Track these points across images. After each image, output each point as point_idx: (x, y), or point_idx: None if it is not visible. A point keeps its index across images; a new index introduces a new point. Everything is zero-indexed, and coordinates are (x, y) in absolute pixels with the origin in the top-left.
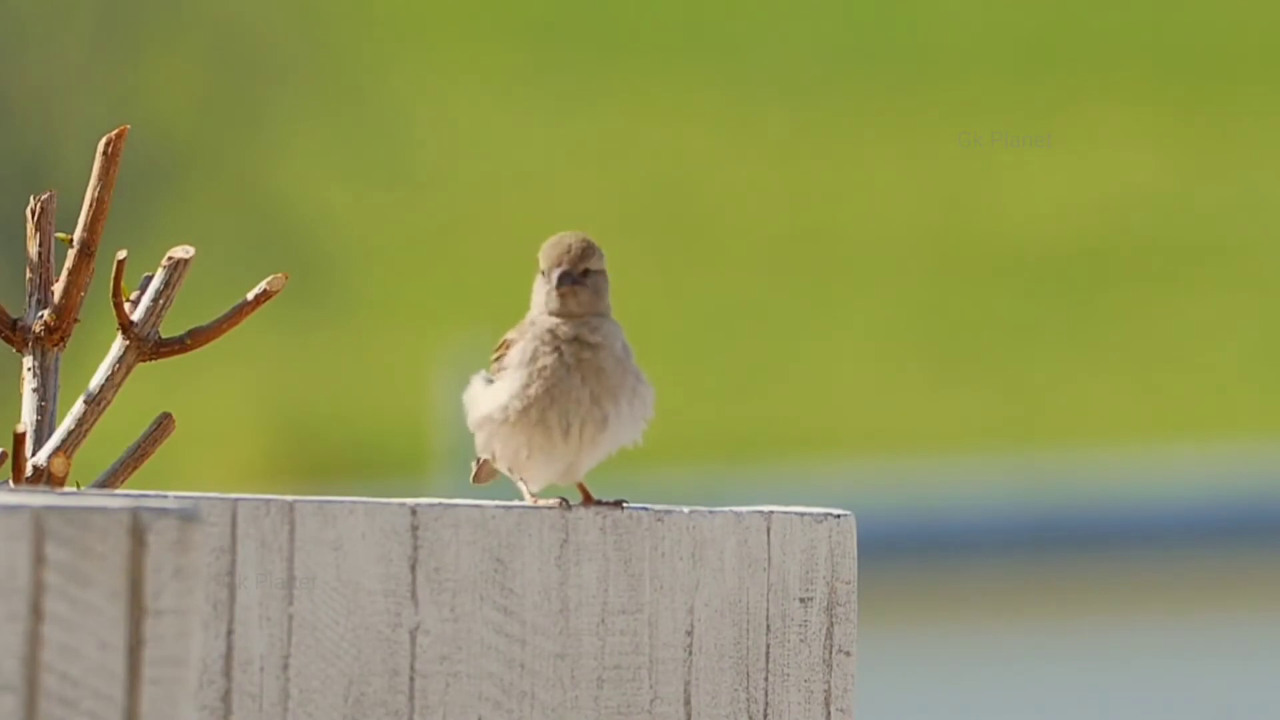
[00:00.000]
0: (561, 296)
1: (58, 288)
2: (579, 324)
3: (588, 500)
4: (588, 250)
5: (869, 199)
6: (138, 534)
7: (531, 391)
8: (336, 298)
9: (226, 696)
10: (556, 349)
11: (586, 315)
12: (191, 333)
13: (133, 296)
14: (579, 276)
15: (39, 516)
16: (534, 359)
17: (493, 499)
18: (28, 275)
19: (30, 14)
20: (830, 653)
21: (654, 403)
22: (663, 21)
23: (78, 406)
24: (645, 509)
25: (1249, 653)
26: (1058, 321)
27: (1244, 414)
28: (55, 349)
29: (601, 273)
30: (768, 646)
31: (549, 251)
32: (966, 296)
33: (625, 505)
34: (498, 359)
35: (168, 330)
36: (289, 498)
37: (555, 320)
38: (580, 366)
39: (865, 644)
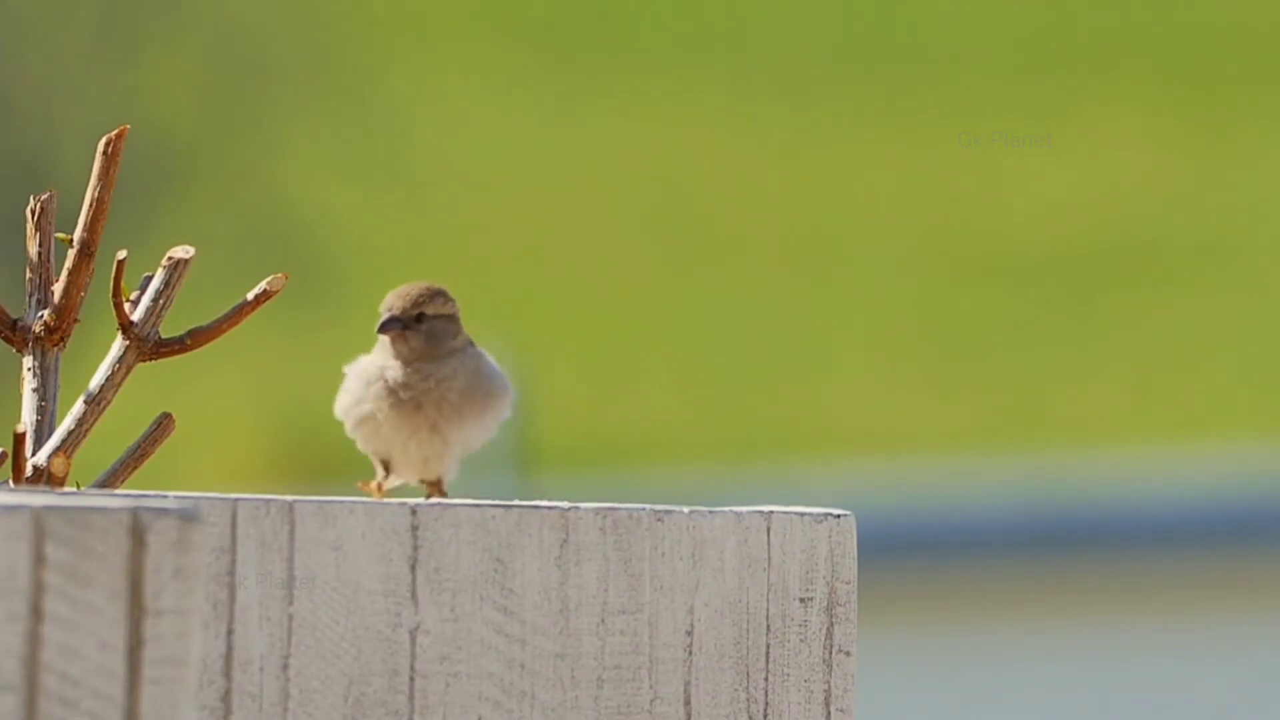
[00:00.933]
0: (390, 341)
1: (58, 288)
2: (415, 369)
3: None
4: (425, 296)
5: (869, 199)
6: (138, 534)
7: (365, 425)
8: (337, 298)
9: (226, 696)
10: (389, 389)
11: (421, 360)
12: (191, 333)
13: (133, 296)
14: (410, 321)
15: (39, 516)
16: (369, 384)
17: (493, 499)
18: (28, 275)
19: (30, 14)
20: (830, 653)
21: (511, 403)
22: (663, 21)
23: (78, 406)
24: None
25: (1249, 653)
26: (1058, 321)
27: (1244, 414)
28: (55, 349)
29: (443, 317)
30: (768, 646)
31: (386, 298)
32: (967, 296)
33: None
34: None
35: (168, 330)
36: (289, 498)
37: (394, 362)
38: (419, 405)
39: (865, 644)
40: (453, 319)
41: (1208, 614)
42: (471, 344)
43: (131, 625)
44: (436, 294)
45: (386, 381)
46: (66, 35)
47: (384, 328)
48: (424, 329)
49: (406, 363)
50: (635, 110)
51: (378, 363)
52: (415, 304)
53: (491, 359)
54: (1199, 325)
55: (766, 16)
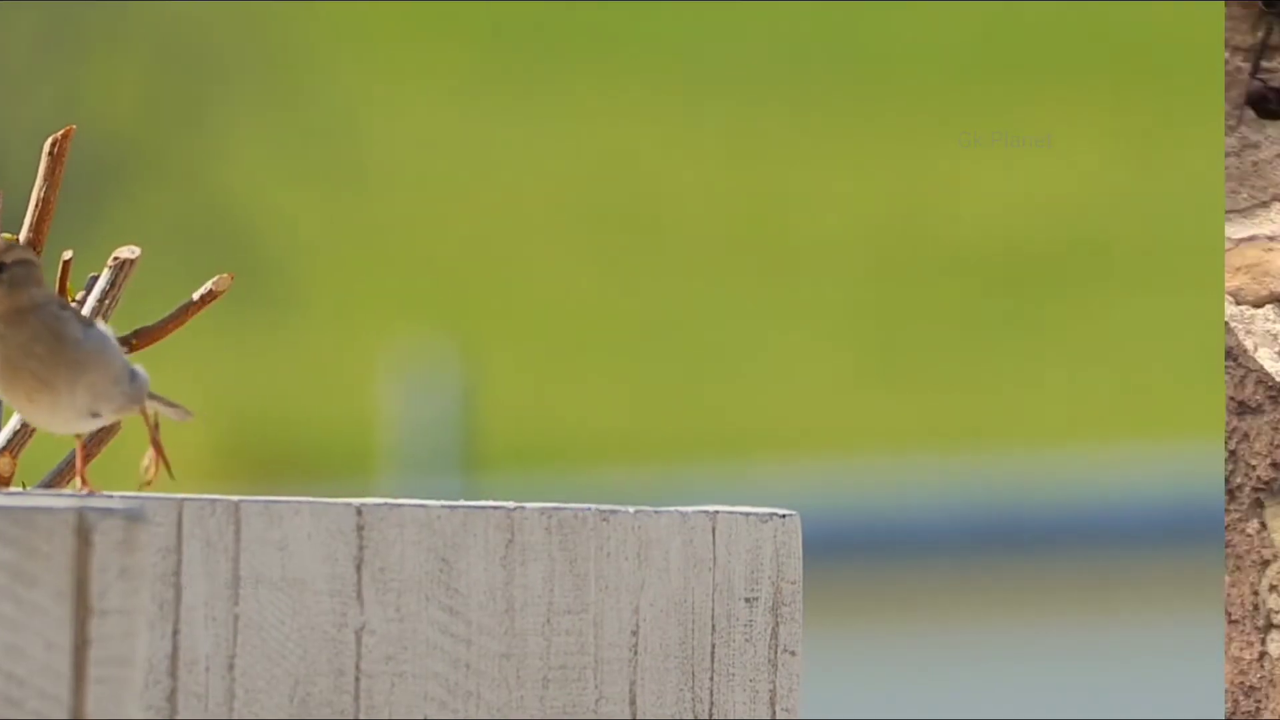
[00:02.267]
0: None
1: None
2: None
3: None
4: (3, 247)
5: (816, 197)
6: (83, 534)
7: None
8: (283, 298)
9: (172, 696)
10: None
11: (4, 314)
12: (137, 333)
13: (78, 297)
14: None
15: None
16: None
17: (439, 499)
18: None
19: None
20: (775, 652)
21: (111, 373)
22: (609, 22)
23: None
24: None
25: (1185, 656)
26: (1007, 321)
27: (1192, 413)
28: None
29: (22, 263)
30: (713, 646)
31: None
32: (915, 296)
33: (91, 492)
34: None
35: (113, 331)
36: (234, 498)
37: None
38: (13, 360)
39: (811, 644)
40: (32, 264)
41: (1158, 614)
42: (62, 304)
43: (77, 625)
44: (13, 245)
45: None
46: (10, 35)
47: None
48: (5, 277)
49: None
50: (581, 109)
51: None
52: None
53: (81, 322)
54: (1148, 325)
55: (714, 15)
